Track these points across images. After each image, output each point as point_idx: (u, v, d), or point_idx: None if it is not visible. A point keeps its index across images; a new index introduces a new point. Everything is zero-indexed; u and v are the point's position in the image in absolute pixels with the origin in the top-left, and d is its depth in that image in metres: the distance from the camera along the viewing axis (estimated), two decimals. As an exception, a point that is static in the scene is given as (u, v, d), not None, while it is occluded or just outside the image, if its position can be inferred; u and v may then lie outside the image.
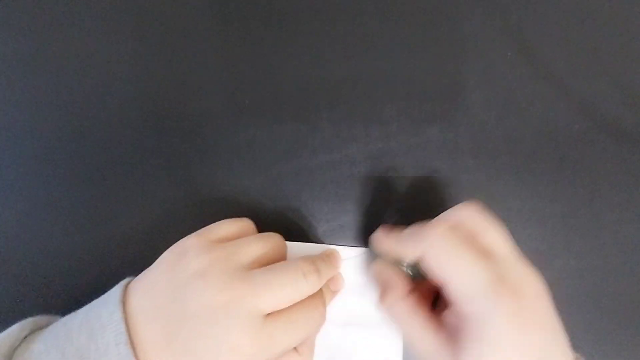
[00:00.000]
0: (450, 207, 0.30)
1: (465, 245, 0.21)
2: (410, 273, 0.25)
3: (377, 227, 0.30)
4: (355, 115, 0.31)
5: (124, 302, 0.22)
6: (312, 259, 0.24)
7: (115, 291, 0.23)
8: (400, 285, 0.24)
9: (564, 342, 0.21)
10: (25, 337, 0.22)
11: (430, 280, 0.23)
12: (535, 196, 0.30)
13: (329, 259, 0.27)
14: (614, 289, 0.29)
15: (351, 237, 0.30)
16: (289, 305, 0.22)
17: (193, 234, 0.24)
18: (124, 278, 0.29)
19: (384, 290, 0.25)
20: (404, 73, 0.32)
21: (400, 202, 0.30)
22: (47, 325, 0.23)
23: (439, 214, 0.30)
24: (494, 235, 0.22)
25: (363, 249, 0.29)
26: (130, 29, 0.32)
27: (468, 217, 0.23)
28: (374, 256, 0.27)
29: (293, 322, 0.22)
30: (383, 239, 0.26)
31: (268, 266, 0.23)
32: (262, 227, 0.29)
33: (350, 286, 0.28)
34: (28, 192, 0.30)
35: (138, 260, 0.29)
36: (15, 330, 0.22)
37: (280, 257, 0.25)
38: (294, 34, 0.32)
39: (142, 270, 0.24)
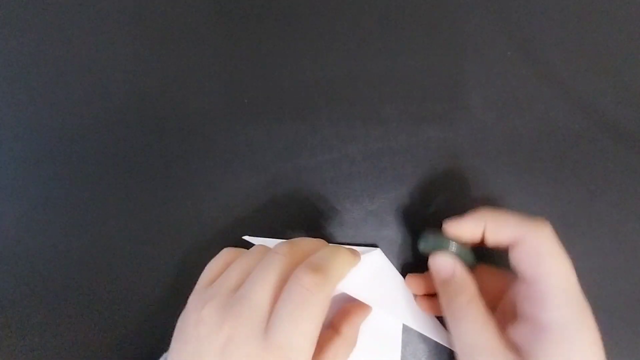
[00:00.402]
0: (450, 207, 0.30)
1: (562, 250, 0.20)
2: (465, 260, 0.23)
3: (376, 227, 0.30)
4: (354, 114, 0.31)
5: None
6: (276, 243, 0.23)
7: None
8: (471, 286, 0.22)
9: None
10: None
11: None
12: (535, 196, 0.30)
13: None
14: (614, 289, 0.29)
15: (351, 237, 0.30)
16: (279, 294, 0.20)
17: (191, 295, 0.23)
18: (124, 279, 0.29)
19: (450, 291, 0.22)
20: (404, 73, 0.32)
21: (400, 202, 0.30)
22: None
23: (439, 214, 0.30)
24: (567, 261, 0.21)
25: (364, 247, 0.29)
26: (130, 28, 0.32)
27: (549, 235, 0.21)
28: (427, 246, 0.25)
29: (291, 313, 0.20)
30: (468, 218, 0.23)
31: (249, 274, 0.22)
32: (261, 227, 0.29)
33: (352, 284, 0.28)
34: (28, 192, 0.30)
35: (138, 260, 0.29)
36: None
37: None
38: (293, 33, 0.32)
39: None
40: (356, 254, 0.24)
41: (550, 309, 0.19)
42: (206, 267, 0.24)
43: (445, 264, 0.23)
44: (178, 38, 0.32)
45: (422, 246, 0.25)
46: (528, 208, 0.30)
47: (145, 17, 0.32)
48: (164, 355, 0.24)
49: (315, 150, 0.30)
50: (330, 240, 0.30)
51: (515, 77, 0.32)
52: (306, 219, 0.30)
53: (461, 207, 0.30)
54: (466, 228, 0.23)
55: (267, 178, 0.30)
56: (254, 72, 0.31)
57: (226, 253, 0.25)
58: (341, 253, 0.23)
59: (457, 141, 0.31)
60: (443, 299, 0.23)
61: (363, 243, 0.30)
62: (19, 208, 0.29)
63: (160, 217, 0.30)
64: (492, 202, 0.30)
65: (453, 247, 0.24)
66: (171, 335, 0.22)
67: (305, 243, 0.24)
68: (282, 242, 0.23)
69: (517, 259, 0.21)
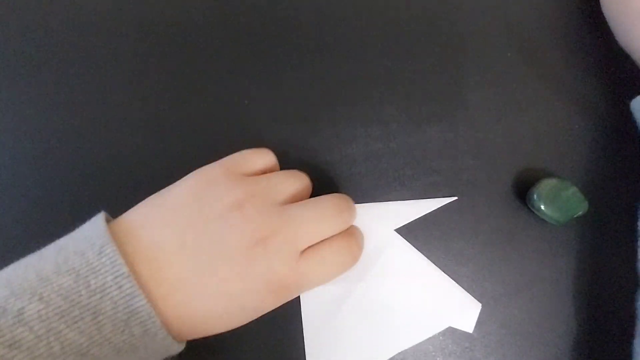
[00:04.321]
0: (449, 208, 0.30)
1: None
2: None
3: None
4: (355, 115, 0.31)
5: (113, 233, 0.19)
6: (345, 197, 0.24)
7: (97, 223, 0.20)
8: None
9: None
10: None
11: None
12: (535, 196, 0.30)
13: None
14: (614, 289, 0.29)
15: (351, 237, 0.30)
16: (322, 240, 0.22)
17: (216, 164, 0.23)
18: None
19: None
20: (404, 73, 0.32)
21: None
22: None
23: (440, 215, 0.30)
24: None
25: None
26: (131, 29, 0.32)
27: None
28: None
29: (326, 261, 0.22)
30: None
31: (303, 201, 0.23)
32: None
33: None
34: (28, 192, 0.30)
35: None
36: None
37: (308, 196, 0.25)
38: (293, 34, 0.32)
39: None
40: None
41: None
42: (243, 154, 0.24)
43: None
44: (178, 38, 0.32)
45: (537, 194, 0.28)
46: (528, 208, 0.30)
47: (145, 17, 0.32)
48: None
49: (315, 151, 0.30)
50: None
51: (515, 77, 0.32)
52: (306, 219, 0.30)
53: (462, 208, 0.30)
54: None
55: (267, 178, 0.30)
56: (254, 73, 0.31)
57: (269, 156, 0.25)
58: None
59: (457, 141, 0.31)
60: None
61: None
62: (19, 208, 0.29)
63: (161, 217, 0.30)
64: (492, 202, 0.30)
65: (571, 188, 0.28)
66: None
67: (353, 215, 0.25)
68: (347, 201, 0.24)
69: None
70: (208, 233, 0.20)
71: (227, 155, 0.30)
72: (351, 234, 0.24)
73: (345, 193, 0.30)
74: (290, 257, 0.21)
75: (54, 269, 0.18)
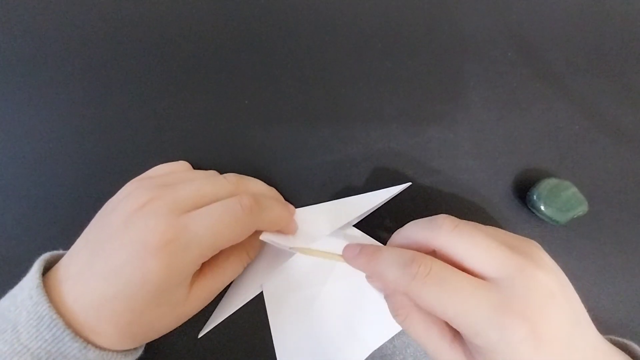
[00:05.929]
0: (451, 208, 0.30)
1: (456, 275, 0.19)
2: None
3: (376, 226, 0.30)
4: (355, 115, 0.31)
5: (47, 267, 0.22)
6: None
7: (39, 260, 0.22)
8: (406, 305, 0.22)
9: (590, 332, 0.20)
10: None
11: None
12: (535, 196, 0.30)
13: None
14: (614, 289, 0.29)
15: (351, 237, 0.30)
16: (204, 204, 0.22)
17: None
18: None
19: (395, 303, 0.23)
20: (404, 73, 0.32)
21: (400, 203, 0.30)
22: None
23: (438, 214, 0.30)
24: (479, 254, 0.20)
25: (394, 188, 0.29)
26: (131, 29, 0.32)
27: (445, 243, 0.21)
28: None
29: (210, 211, 0.22)
30: (364, 260, 0.23)
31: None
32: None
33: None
34: (28, 192, 0.30)
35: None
36: None
37: None
38: (293, 33, 0.32)
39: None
40: (291, 219, 0.27)
41: (467, 339, 0.19)
42: (156, 166, 0.27)
43: (381, 282, 0.24)
44: (178, 39, 0.32)
45: (536, 196, 0.28)
46: (528, 209, 0.30)
47: (145, 17, 0.32)
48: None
49: (315, 151, 0.30)
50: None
51: (515, 77, 0.32)
52: (306, 219, 0.30)
53: (462, 208, 0.30)
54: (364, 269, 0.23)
55: (267, 178, 0.30)
56: (254, 72, 0.31)
57: (181, 163, 0.28)
58: (281, 207, 0.25)
59: (457, 141, 0.31)
60: (387, 305, 0.23)
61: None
62: (19, 208, 0.29)
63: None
64: (491, 202, 0.30)
65: (571, 189, 0.28)
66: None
67: (254, 184, 0.27)
68: (235, 174, 0.26)
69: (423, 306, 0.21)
70: (103, 224, 0.22)
71: (227, 153, 0.30)
72: (248, 192, 0.24)
73: (345, 193, 0.30)
74: (168, 214, 0.21)
75: (5, 296, 0.21)
